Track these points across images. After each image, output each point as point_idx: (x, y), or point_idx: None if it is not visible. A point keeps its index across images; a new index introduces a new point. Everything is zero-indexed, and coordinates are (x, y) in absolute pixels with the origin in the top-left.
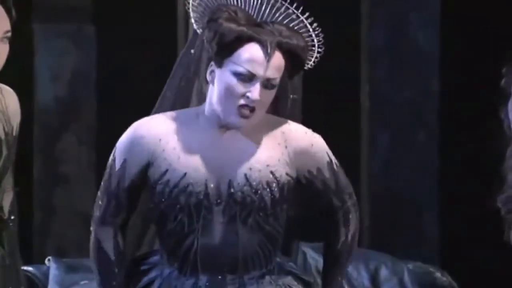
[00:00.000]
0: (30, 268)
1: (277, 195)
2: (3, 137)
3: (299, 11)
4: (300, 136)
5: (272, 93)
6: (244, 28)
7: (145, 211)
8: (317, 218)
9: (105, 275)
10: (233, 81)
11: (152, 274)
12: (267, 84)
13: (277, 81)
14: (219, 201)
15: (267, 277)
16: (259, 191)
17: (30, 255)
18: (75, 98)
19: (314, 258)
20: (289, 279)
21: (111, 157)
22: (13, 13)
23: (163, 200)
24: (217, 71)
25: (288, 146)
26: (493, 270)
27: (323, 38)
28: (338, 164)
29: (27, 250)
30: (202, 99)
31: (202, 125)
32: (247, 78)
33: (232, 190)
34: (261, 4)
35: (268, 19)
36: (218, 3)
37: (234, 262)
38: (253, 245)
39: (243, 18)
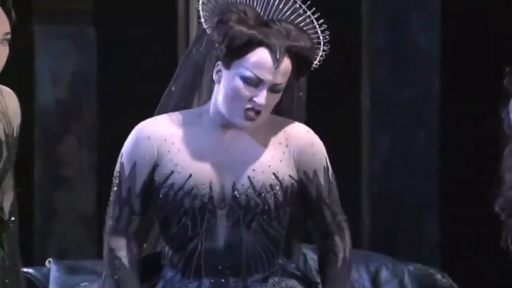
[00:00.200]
0: (30, 270)
1: (280, 198)
2: (3, 138)
3: (306, 5)
4: (301, 135)
5: (278, 96)
6: (254, 32)
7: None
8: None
9: (122, 285)
10: (240, 84)
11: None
12: (273, 88)
13: (284, 85)
14: (223, 204)
15: (270, 280)
16: (262, 194)
17: (30, 256)
18: (76, 100)
19: (314, 259)
20: (292, 282)
21: (118, 165)
22: (13, 15)
23: (167, 203)
24: (224, 72)
25: (289, 145)
26: (493, 271)
27: (328, 35)
28: (333, 176)
29: (28, 251)
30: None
31: (206, 126)
32: (255, 82)
33: (236, 193)
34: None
35: (275, 15)
36: (228, 1)
37: (237, 266)
38: (257, 248)
39: (252, 18)
